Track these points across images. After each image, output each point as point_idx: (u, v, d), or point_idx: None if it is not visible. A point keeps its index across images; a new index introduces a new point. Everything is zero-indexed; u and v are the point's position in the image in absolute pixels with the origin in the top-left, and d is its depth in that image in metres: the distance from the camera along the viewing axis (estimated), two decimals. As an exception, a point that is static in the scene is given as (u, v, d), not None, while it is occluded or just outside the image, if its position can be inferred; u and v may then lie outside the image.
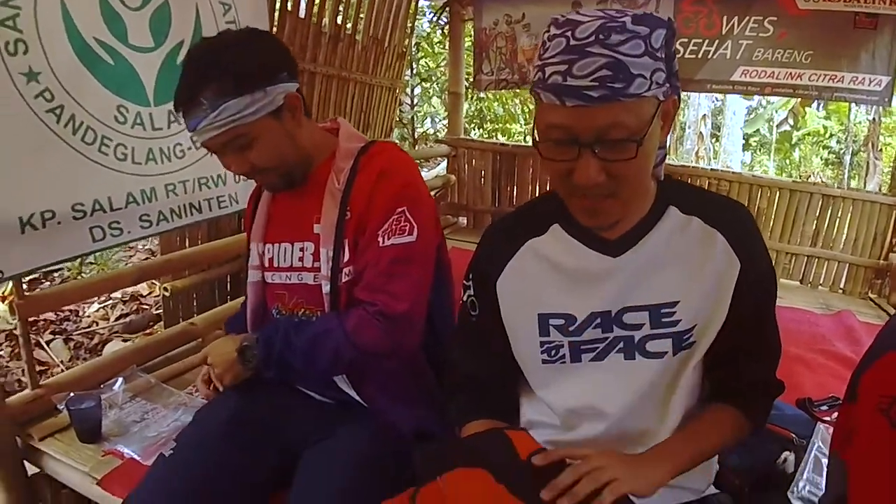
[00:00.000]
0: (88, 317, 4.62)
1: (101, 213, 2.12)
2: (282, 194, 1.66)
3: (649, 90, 0.99)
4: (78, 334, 4.37)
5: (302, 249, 1.60)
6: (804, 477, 1.50)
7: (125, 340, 4.15)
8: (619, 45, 0.96)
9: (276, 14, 3.38)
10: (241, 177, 2.58)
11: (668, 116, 1.09)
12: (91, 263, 5.30)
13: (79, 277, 4.97)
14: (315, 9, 3.76)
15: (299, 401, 1.67)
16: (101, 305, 4.75)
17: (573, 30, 0.98)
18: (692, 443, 1.19)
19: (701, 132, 13.21)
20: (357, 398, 1.62)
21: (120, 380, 2.23)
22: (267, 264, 1.67)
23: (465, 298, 1.38)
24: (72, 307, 4.63)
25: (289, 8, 3.48)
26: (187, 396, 2.21)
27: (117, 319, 4.60)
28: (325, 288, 1.54)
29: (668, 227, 1.19)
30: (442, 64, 9.77)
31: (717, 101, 13.51)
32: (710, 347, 1.19)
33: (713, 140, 14.02)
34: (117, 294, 4.86)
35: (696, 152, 13.05)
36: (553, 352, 1.24)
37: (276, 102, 1.46)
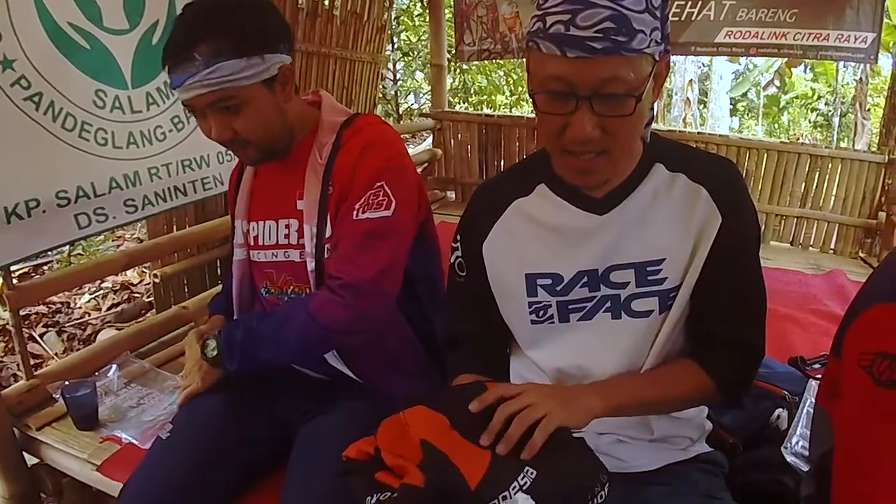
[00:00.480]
0: (80, 308, 4.60)
1: (86, 199, 2.11)
2: (264, 170, 1.64)
3: (648, 47, 0.99)
4: (70, 326, 4.35)
5: (287, 226, 1.58)
6: (797, 433, 1.51)
7: (118, 330, 4.13)
8: (627, 2, 0.96)
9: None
10: (225, 155, 2.59)
11: (660, 78, 1.08)
12: (80, 255, 5.27)
13: (68, 268, 4.94)
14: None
15: (294, 377, 1.67)
16: (93, 296, 4.73)
17: None
18: (638, 385, 1.18)
19: (688, 98, 13.20)
20: (351, 374, 1.61)
21: (114, 366, 2.23)
22: (252, 242, 1.65)
23: (452, 260, 1.38)
24: (63, 299, 4.61)
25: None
26: (182, 380, 2.20)
27: (109, 309, 4.58)
28: (311, 265, 1.53)
29: (653, 184, 1.19)
30: (423, 37, 9.70)
31: (704, 66, 13.50)
32: (691, 304, 1.19)
33: (700, 106, 14.02)
34: (108, 283, 4.84)
35: (684, 118, 13.05)
36: (541, 312, 1.24)
37: (271, 72, 1.42)
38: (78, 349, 4.00)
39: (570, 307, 1.22)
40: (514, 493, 0.93)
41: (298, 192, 1.54)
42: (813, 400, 2.09)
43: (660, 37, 1.01)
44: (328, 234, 1.51)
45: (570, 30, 0.96)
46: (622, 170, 1.19)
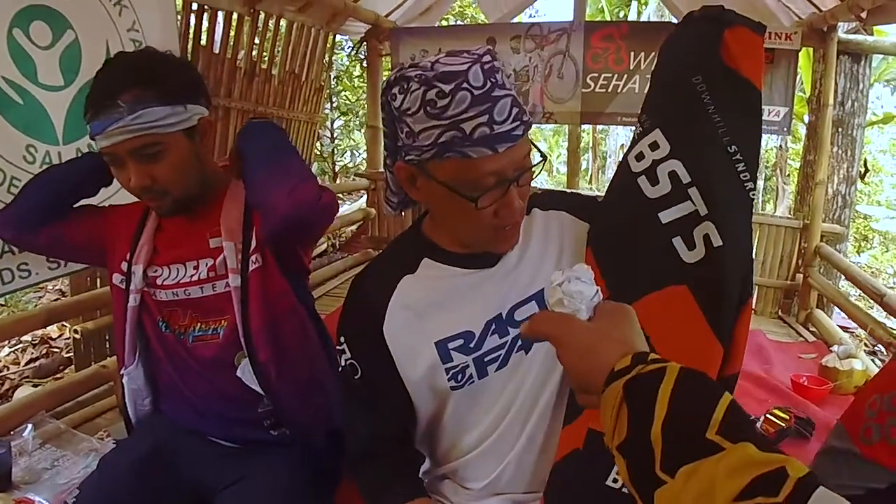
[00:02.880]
0: (-1, 361, 4.45)
1: (10, 255, 2.06)
2: (168, 226, 1.62)
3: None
4: (-13, 380, 4.20)
5: (195, 267, 1.56)
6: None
7: (35, 385, 4.00)
8: (505, 82, 1.07)
9: (190, 49, 3.37)
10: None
11: None
12: (2, 305, 5.10)
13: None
14: (230, 43, 3.74)
15: (206, 446, 1.62)
16: (12, 349, 4.58)
17: (465, 80, 1.02)
18: None
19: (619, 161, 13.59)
20: (260, 389, 1.54)
21: (29, 426, 2.17)
22: (149, 282, 1.59)
23: (343, 364, 1.33)
24: (-21, 352, 4.46)
25: (202, 43, 3.47)
26: (98, 442, 2.16)
27: (27, 364, 4.44)
28: (235, 282, 1.50)
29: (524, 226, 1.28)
30: (362, 97, 9.81)
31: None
32: None
33: (633, 169, 14.43)
34: (27, 337, 4.69)
35: (615, 181, 13.39)
36: (459, 375, 1.24)
37: (192, 122, 1.45)
38: (-6, 405, 3.86)
39: (486, 360, 1.24)
40: None
41: (210, 231, 1.54)
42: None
43: None
44: (254, 245, 1.52)
45: (494, 129, 1.03)
46: None
